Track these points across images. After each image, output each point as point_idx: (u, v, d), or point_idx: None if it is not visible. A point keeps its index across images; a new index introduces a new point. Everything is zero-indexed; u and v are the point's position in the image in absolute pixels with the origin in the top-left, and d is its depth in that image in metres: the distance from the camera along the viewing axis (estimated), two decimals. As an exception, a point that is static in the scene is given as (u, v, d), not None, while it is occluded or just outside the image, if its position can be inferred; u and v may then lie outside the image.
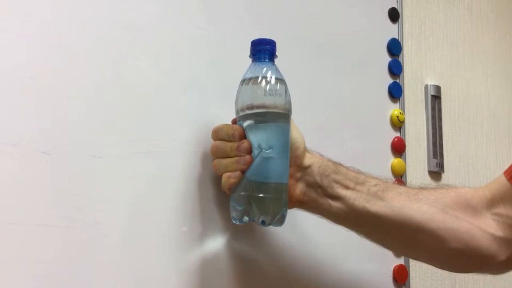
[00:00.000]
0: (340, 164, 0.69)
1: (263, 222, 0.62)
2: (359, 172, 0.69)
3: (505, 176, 0.68)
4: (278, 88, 0.63)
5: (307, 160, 0.68)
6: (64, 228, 0.57)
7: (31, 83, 0.57)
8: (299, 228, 0.80)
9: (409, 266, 0.95)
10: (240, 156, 0.62)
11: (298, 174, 0.67)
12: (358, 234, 0.71)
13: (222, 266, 0.70)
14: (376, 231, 0.70)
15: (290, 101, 0.64)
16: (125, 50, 0.65)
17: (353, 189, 0.67)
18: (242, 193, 0.62)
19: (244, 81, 0.64)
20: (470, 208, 0.68)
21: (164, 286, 0.64)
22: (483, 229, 0.67)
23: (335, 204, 0.67)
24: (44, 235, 0.56)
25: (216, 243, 0.70)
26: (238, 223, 0.64)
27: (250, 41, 0.66)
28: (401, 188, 0.70)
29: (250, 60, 0.65)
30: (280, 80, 0.63)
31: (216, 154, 0.66)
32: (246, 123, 0.63)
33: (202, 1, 0.73)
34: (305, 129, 0.77)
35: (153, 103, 0.67)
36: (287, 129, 0.64)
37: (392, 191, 0.68)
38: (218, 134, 0.67)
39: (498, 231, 0.67)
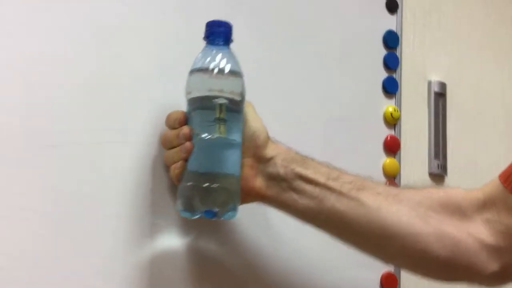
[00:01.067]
0: (310, 158, 0.64)
1: (208, 214, 0.57)
2: (332, 167, 0.63)
3: (500, 179, 0.61)
4: (226, 72, 0.58)
5: (270, 151, 0.62)
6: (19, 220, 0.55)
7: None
8: (275, 229, 0.75)
9: (399, 274, 0.88)
10: (181, 144, 0.58)
11: (259, 166, 0.62)
12: (330, 236, 0.65)
13: (179, 263, 0.65)
14: (348, 234, 0.64)
15: (242, 86, 0.60)
16: (87, 37, 0.62)
17: (323, 184, 0.61)
18: (187, 183, 0.58)
19: (193, 64, 0.60)
20: (459, 211, 0.62)
21: (118, 282, 0.60)
22: (471, 234, 0.61)
23: (302, 201, 0.61)
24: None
25: (174, 238, 0.65)
26: (187, 216, 0.59)
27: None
28: (380, 187, 0.64)
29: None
30: (230, 63, 0.59)
31: (164, 145, 0.63)
32: (190, 109, 0.59)
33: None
34: (283, 121, 0.73)
35: (116, 91, 0.64)
36: (236, 116, 0.59)
37: (369, 190, 0.62)
38: (167, 121, 0.63)
39: (489, 238, 0.60)
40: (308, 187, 0.61)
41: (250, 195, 0.62)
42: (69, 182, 0.59)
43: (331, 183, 0.61)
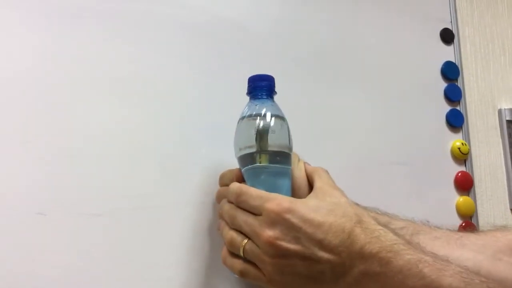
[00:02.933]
0: (356, 204, 0.60)
1: None
2: (380, 212, 0.59)
3: None
4: (272, 125, 0.56)
5: None
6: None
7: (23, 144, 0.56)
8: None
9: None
10: None
11: None
12: None
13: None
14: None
15: (289, 139, 0.57)
16: (116, 99, 0.62)
17: None
18: None
19: (238, 121, 0.58)
20: None
21: None
22: None
23: None
24: None
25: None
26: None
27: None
28: (439, 232, 0.58)
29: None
30: (275, 116, 0.57)
31: (219, 200, 0.61)
32: (241, 165, 0.57)
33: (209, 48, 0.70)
34: (340, 168, 0.69)
35: (156, 153, 0.63)
36: (284, 169, 0.56)
37: (425, 235, 0.57)
38: (221, 181, 0.62)
39: None
40: None
41: None
42: (122, 248, 0.58)
43: None
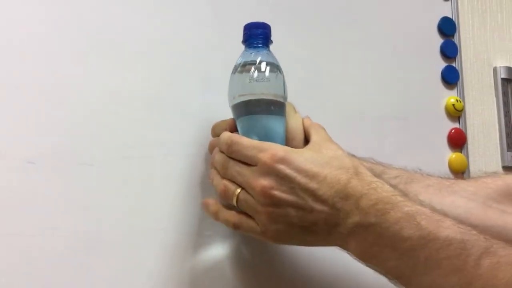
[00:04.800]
0: (352, 155, 0.59)
1: None
2: (375, 162, 0.59)
3: None
4: (266, 73, 0.55)
5: None
6: (59, 237, 0.54)
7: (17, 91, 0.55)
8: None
9: None
10: None
11: None
12: None
13: (228, 272, 0.63)
14: None
15: (283, 88, 0.57)
16: (118, 53, 0.61)
17: None
18: None
19: (233, 70, 0.57)
20: None
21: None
22: None
23: None
24: (34, 245, 0.53)
25: (223, 247, 0.63)
26: None
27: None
28: (431, 179, 0.58)
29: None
30: (270, 64, 0.56)
31: (212, 151, 0.60)
32: (234, 115, 0.57)
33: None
34: (335, 121, 0.69)
35: (151, 104, 0.62)
36: (279, 119, 0.56)
37: (418, 183, 0.57)
38: (214, 131, 0.61)
39: None
40: None
41: None
42: (115, 196, 0.58)
43: None
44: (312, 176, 0.48)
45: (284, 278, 0.66)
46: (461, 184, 0.57)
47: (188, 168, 0.62)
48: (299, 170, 0.49)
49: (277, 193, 0.49)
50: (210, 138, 0.63)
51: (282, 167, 0.49)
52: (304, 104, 0.62)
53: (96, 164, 0.57)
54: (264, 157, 0.49)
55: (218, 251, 0.62)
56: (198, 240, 0.61)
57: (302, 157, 0.50)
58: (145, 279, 0.58)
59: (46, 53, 0.56)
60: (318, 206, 0.48)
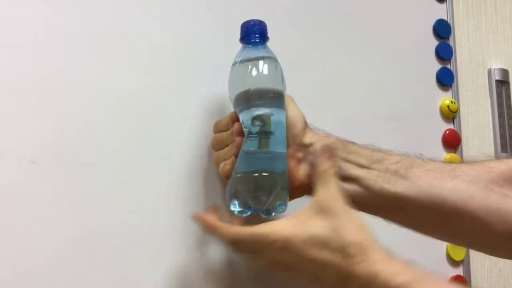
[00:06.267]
0: (351, 142, 0.60)
1: (258, 204, 0.55)
2: (376, 149, 0.59)
3: None
4: (265, 66, 0.58)
5: (308, 138, 0.59)
6: (59, 237, 0.55)
7: (18, 92, 0.55)
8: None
9: (469, 277, 0.82)
10: (233, 141, 0.58)
11: (300, 154, 0.59)
12: (385, 221, 0.60)
13: (228, 272, 0.64)
14: (403, 216, 0.58)
15: (281, 80, 0.59)
16: (119, 53, 0.62)
17: (368, 167, 0.57)
18: (236, 175, 0.56)
19: (232, 65, 0.60)
20: None
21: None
22: None
23: (349, 187, 0.57)
24: (33, 245, 0.53)
25: (223, 247, 0.64)
26: (236, 210, 0.57)
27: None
28: (433, 164, 0.57)
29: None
30: (268, 58, 0.58)
31: (215, 146, 0.62)
32: (236, 108, 0.59)
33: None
34: (329, 122, 0.70)
35: (151, 104, 0.63)
36: (279, 109, 0.58)
37: (419, 167, 0.56)
38: (217, 127, 0.63)
39: None
40: (353, 171, 0.57)
41: (295, 188, 0.58)
42: (115, 196, 0.59)
43: (375, 166, 0.57)
44: (310, 261, 0.51)
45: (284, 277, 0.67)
46: (464, 168, 0.56)
47: (189, 167, 0.63)
48: (301, 257, 0.51)
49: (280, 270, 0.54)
50: (212, 134, 0.63)
51: (284, 257, 0.51)
52: (299, 105, 0.63)
53: (97, 164, 0.58)
54: (268, 252, 0.52)
55: (218, 251, 0.63)
56: (199, 240, 0.62)
57: (303, 240, 0.51)
58: (145, 279, 0.59)
59: (47, 53, 0.57)
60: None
